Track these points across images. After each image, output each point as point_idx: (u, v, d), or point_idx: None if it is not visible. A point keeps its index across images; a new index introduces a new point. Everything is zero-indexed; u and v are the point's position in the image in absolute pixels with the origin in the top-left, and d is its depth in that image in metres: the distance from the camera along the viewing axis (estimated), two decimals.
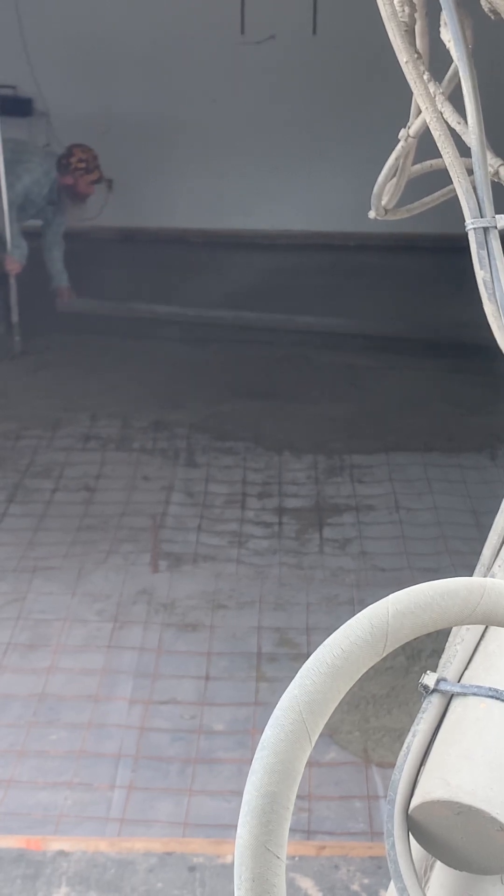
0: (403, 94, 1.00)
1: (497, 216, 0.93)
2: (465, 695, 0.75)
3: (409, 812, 0.73)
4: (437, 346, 5.87)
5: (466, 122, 0.95)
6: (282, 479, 4.48)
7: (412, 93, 0.99)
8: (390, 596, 0.68)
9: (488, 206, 0.93)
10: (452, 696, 0.76)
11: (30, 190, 5.67)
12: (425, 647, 3.21)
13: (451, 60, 0.98)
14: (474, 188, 0.94)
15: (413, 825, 0.73)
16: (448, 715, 0.76)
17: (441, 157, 0.97)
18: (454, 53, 0.96)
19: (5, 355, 5.71)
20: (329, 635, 0.66)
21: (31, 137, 7.36)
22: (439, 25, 0.98)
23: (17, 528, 4.05)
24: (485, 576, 0.88)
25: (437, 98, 0.98)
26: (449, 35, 0.96)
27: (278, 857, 0.60)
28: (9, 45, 7.11)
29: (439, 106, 0.97)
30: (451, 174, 0.95)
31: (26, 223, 5.89)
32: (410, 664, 3.18)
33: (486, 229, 0.93)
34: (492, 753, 0.70)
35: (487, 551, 0.89)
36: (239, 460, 4.64)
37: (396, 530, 4.08)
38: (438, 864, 0.76)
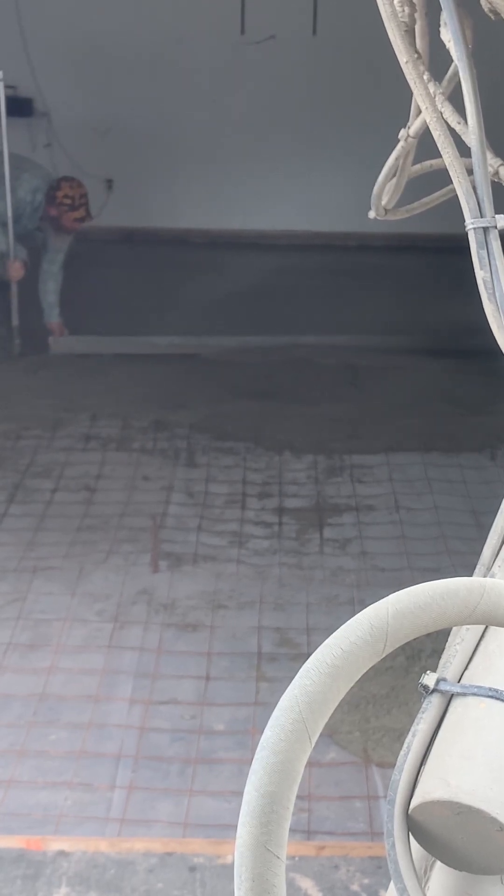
0: (403, 94, 1.00)
1: (497, 216, 0.93)
2: (464, 695, 0.75)
3: (409, 812, 0.73)
4: (436, 346, 5.87)
5: (466, 122, 0.95)
6: (282, 480, 4.48)
7: (412, 93, 0.99)
8: (390, 596, 0.68)
9: (488, 206, 0.93)
10: (452, 696, 0.76)
11: (14, 207, 5.50)
12: (425, 648, 3.21)
13: (451, 61, 0.98)
14: (474, 188, 0.94)
15: (413, 825, 0.73)
16: (448, 715, 0.75)
17: (441, 157, 0.97)
18: (454, 54, 0.96)
19: (6, 357, 5.70)
20: (329, 635, 0.66)
21: (31, 138, 7.38)
22: (439, 25, 0.98)
23: (17, 528, 4.05)
24: (485, 576, 0.88)
25: (436, 98, 0.98)
26: (449, 35, 0.96)
27: (278, 858, 0.60)
28: (9, 45, 7.12)
29: (439, 106, 0.97)
30: (451, 174, 0.95)
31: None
32: (410, 664, 3.17)
33: (486, 229, 0.93)
34: (492, 753, 0.70)
35: (487, 551, 0.89)
36: (239, 460, 4.64)
37: (396, 530, 4.08)
38: (438, 864, 0.76)
